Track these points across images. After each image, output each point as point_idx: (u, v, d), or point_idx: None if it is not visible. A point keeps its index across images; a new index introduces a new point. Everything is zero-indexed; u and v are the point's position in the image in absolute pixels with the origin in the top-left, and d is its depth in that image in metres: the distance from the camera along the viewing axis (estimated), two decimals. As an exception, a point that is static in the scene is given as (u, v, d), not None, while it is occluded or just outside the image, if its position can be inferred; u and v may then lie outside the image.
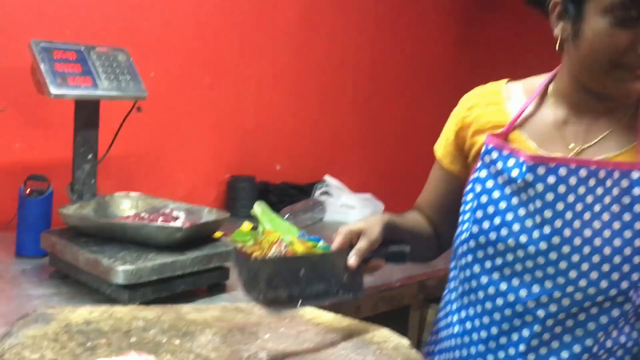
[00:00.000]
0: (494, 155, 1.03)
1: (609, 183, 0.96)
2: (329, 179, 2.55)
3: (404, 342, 0.97)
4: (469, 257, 1.06)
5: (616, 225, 0.96)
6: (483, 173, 1.05)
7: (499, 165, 1.02)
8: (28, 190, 1.58)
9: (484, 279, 1.04)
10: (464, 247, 1.06)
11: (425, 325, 2.08)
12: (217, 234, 1.72)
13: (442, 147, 1.20)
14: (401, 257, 1.06)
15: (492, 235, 1.01)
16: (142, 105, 1.75)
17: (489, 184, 1.03)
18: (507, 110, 1.08)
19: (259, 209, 2.02)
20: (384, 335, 1.00)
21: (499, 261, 1.01)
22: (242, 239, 1.93)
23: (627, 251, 0.95)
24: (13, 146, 1.86)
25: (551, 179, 0.97)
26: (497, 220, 1.01)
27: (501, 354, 1.04)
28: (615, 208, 0.96)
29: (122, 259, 1.34)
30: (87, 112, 1.59)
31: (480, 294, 1.05)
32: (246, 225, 2.05)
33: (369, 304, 1.91)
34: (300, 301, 0.97)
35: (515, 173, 0.99)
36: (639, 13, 0.86)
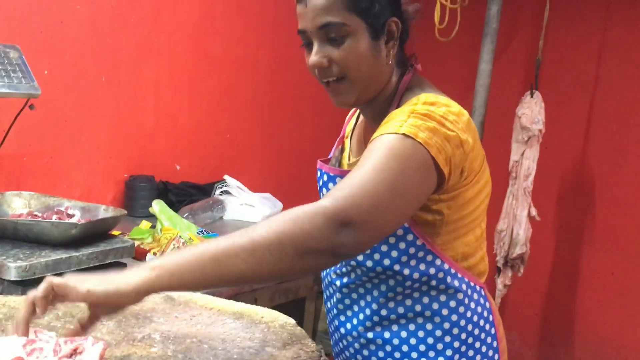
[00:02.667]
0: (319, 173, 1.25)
1: None
2: (228, 178, 2.59)
3: (290, 321, 1.05)
4: None
5: None
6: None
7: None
8: None
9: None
10: None
11: (320, 315, 2.17)
12: (115, 233, 1.73)
13: None
14: None
15: None
16: (36, 103, 1.73)
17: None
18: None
19: (158, 207, 2.05)
20: (272, 315, 1.08)
21: None
22: (140, 236, 1.96)
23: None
24: None
25: None
26: None
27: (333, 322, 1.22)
28: None
29: (14, 256, 1.34)
30: (-24, 109, 1.56)
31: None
32: (145, 224, 2.07)
33: (266, 296, 1.98)
34: None
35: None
36: (308, 40, 1.10)
